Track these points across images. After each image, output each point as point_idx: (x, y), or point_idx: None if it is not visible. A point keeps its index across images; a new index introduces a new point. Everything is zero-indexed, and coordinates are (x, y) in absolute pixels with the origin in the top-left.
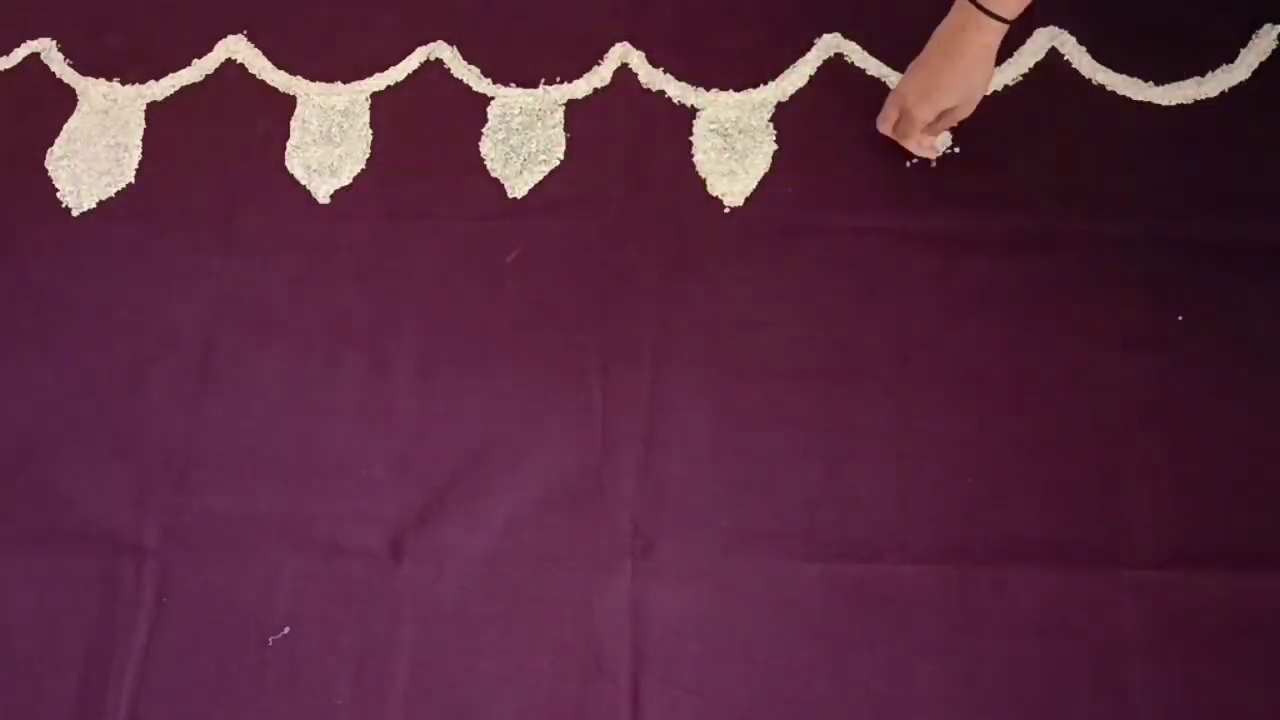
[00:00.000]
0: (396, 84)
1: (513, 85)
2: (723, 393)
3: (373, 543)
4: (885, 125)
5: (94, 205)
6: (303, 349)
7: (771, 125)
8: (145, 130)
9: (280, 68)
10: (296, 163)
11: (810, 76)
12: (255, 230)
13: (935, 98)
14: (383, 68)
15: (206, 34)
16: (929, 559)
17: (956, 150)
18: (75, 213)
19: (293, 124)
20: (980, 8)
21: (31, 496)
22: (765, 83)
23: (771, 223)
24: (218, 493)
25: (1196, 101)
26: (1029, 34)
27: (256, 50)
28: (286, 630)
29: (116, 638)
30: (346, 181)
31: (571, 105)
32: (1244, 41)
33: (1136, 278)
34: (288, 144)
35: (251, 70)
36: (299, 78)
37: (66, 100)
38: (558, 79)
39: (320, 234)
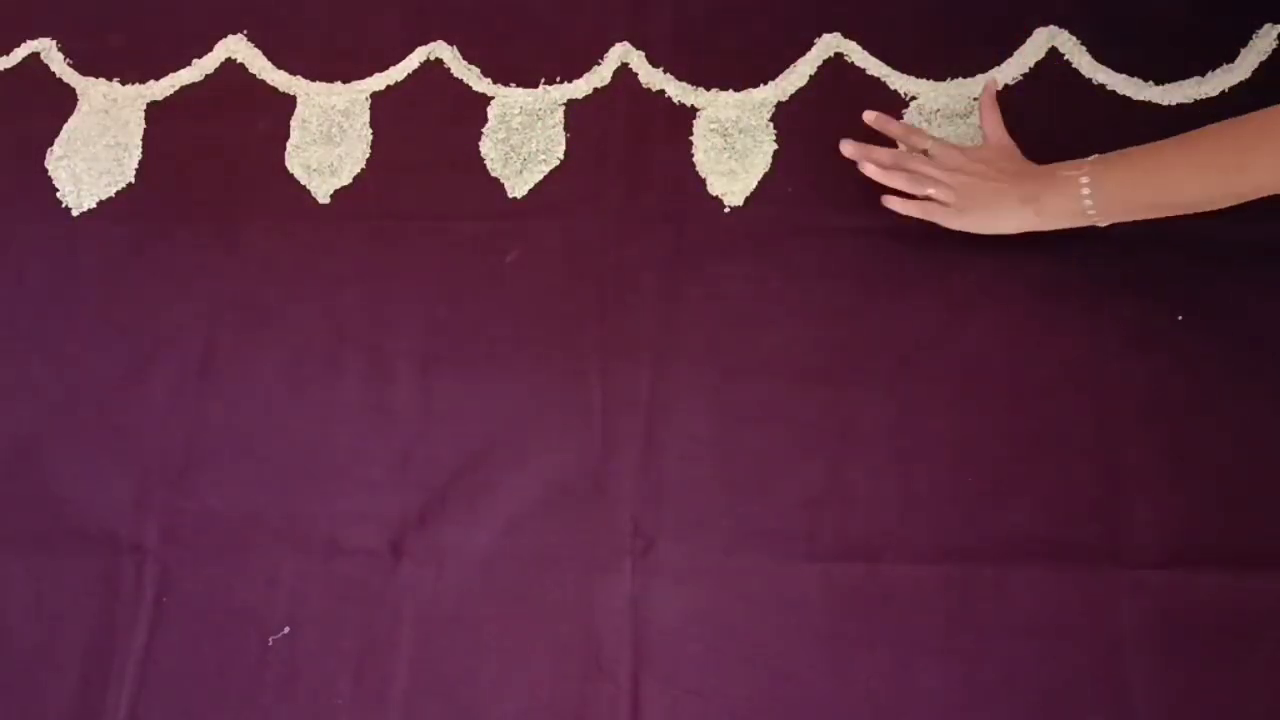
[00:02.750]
0: (396, 84)
1: (513, 85)
2: (723, 393)
3: (373, 543)
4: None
5: (94, 205)
6: (303, 349)
7: (771, 125)
8: (145, 130)
9: (280, 68)
10: (296, 163)
11: (810, 76)
12: (255, 230)
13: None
14: (383, 68)
15: (206, 34)
16: (929, 559)
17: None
18: (75, 213)
19: (293, 124)
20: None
21: (31, 496)
22: (765, 83)
23: (771, 223)
24: (218, 493)
25: (1196, 101)
26: (1029, 34)
27: (256, 50)
28: (286, 630)
29: (116, 638)
30: (346, 181)
31: (571, 105)
32: (1244, 41)
33: (1136, 278)
34: (288, 144)
35: (251, 70)
36: (299, 78)
37: (66, 100)
38: (558, 79)
39: (320, 234)
